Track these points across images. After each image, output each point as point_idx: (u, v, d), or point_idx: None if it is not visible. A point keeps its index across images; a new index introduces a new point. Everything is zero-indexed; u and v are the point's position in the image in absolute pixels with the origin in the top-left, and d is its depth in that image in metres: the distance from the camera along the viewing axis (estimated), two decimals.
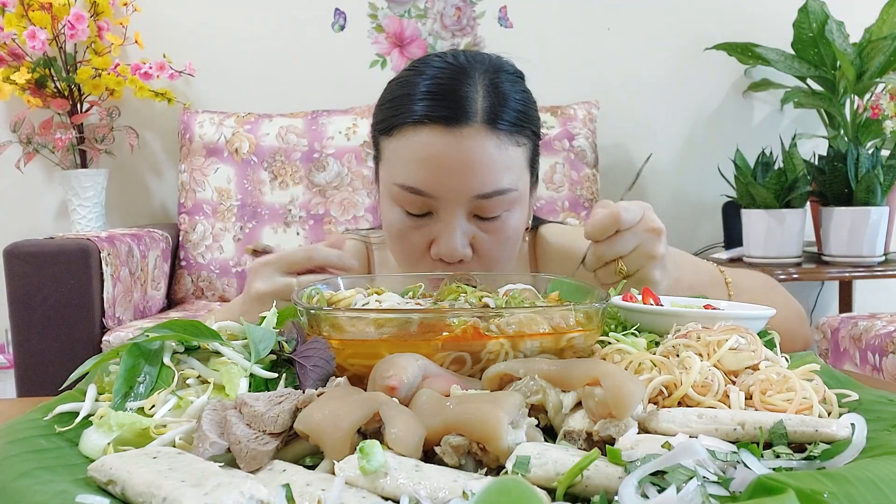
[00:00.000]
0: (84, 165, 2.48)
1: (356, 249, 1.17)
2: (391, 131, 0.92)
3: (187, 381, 0.58)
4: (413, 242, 0.93)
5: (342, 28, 2.68)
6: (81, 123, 2.43)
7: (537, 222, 1.15)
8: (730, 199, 2.54)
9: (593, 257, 0.81)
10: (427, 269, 0.92)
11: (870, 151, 2.27)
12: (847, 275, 2.27)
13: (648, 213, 0.82)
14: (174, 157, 2.60)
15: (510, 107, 0.91)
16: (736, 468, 0.44)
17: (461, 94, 0.88)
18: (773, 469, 0.45)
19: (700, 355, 0.58)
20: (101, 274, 1.90)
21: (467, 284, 0.76)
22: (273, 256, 0.87)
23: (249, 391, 0.56)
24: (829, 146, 2.36)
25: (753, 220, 2.27)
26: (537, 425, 0.51)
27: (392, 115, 0.92)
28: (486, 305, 0.67)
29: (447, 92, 0.89)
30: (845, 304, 2.71)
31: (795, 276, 2.20)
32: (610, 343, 0.63)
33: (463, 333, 0.58)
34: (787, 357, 0.64)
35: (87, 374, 0.60)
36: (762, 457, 0.46)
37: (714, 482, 0.41)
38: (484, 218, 0.91)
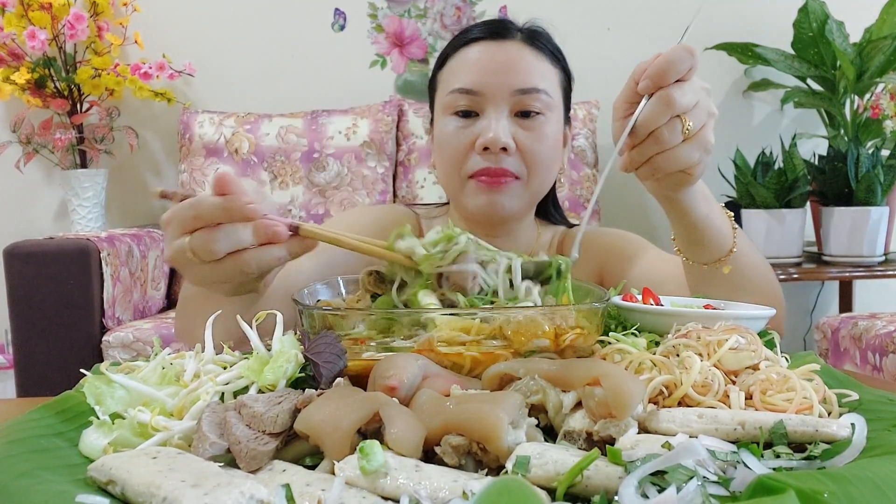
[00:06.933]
0: (84, 165, 2.48)
1: (407, 218, 1.16)
2: (446, 61, 1.08)
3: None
4: (461, 141, 1.03)
5: (342, 28, 2.68)
6: (81, 123, 2.43)
7: (570, 225, 1.25)
8: (730, 199, 2.54)
9: (659, 104, 0.68)
10: (471, 169, 1.02)
11: (870, 151, 2.27)
12: (847, 275, 2.27)
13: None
14: (174, 157, 2.60)
15: (545, 38, 1.09)
16: (736, 468, 0.43)
17: (504, 22, 1.08)
18: (774, 469, 0.44)
19: (700, 355, 0.58)
20: (101, 274, 1.89)
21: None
22: (184, 205, 0.64)
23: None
24: (829, 146, 2.35)
25: (753, 220, 2.27)
26: (537, 425, 0.51)
27: (447, 50, 1.09)
28: (453, 304, 0.65)
29: (492, 22, 1.09)
30: (845, 304, 2.71)
31: (795, 276, 2.20)
32: (610, 343, 0.63)
33: (419, 349, 0.59)
34: (788, 357, 0.64)
35: (83, 376, 0.60)
36: (762, 457, 0.46)
37: (714, 482, 0.41)
38: (523, 116, 1.02)
